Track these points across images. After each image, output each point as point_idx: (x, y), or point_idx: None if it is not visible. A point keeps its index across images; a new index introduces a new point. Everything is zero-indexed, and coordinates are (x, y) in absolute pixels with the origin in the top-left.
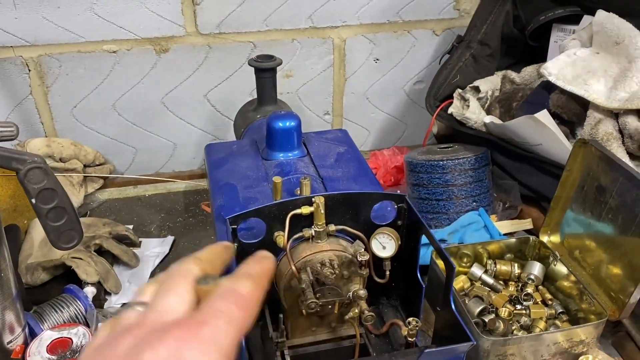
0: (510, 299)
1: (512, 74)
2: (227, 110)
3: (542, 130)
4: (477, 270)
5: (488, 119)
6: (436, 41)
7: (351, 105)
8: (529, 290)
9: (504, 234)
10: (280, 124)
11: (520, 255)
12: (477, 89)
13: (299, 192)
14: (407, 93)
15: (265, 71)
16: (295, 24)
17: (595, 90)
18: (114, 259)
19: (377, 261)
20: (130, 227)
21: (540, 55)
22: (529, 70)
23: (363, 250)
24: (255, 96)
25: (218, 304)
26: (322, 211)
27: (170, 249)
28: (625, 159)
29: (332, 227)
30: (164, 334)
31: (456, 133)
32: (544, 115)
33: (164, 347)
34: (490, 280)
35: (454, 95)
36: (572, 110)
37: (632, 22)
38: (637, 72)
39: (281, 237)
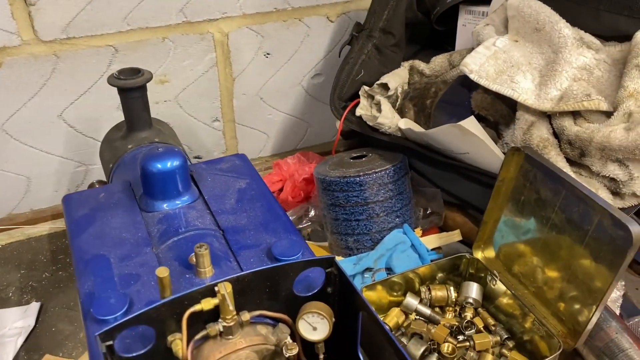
0: (451, 330)
1: (420, 65)
2: (92, 130)
3: (470, 139)
4: (412, 300)
5: (403, 123)
6: (331, 28)
7: (243, 108)
8: (468, 314)
9: (432, 249)
10: (160, 166)
11: (453, 274)
12: (385, 86)
13: (194, 261)
14: (305, 89)
15: (132, 90)
16: (165, 19)
17: (524, 89)
18: None
19: (308, 344)
20: None
21: (447, 40)
22: (439, 61)
23: (289, 339)
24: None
25: None
26: (230, 302)
27: (37, 320)
28: (566, 168)
29: (246, 316)
30: None
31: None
32: (471, 123)
33: None
34: (427, 311)
35: (360, 93)
36: (499, 112)
37: (551, 6)
38: (566, 64)
39: (178, 343)
